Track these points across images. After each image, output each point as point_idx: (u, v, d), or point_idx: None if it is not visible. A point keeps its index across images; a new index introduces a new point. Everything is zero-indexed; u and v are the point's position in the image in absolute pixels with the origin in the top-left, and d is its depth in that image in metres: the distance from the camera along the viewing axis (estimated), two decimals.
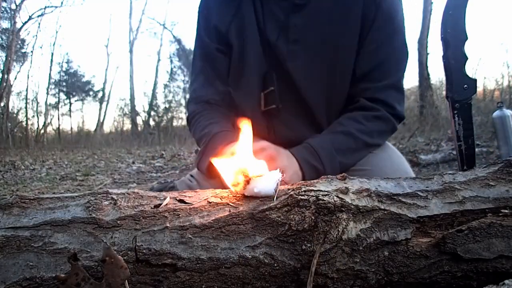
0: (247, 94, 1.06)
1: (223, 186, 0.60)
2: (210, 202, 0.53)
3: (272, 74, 1.01)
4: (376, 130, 0.96)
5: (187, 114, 1.13)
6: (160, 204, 0.52)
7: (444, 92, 0.81)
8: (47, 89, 16.95)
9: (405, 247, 0.50)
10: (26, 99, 15.25)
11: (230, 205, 0.53)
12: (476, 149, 0.70)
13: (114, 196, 0.53)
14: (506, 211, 0.51)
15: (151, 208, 0.52)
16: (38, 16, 14.51)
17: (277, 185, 0.55)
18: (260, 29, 1.02)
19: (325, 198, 0.50)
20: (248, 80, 1.04)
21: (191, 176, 1.12)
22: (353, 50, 0.97)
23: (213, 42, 1.07)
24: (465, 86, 0.67)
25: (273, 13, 1.00)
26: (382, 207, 0.51)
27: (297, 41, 0.98)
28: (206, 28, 1.08)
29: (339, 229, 0.49)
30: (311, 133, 1.01)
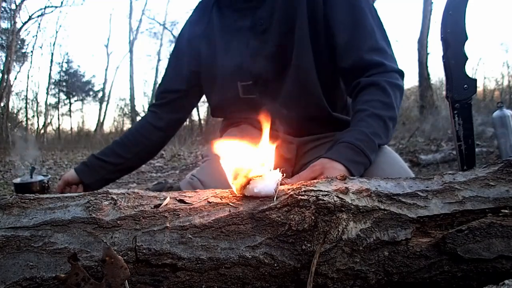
0: (224, 86, 1.11)
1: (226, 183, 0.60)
2: (210, 202, 0.53)
3: (246, 67, 1.05)
4: (392, 101, 0.93)
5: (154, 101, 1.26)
6: (160, 204, 0.52)
7: (444, 92, 0.81)
8: (47, 89, 16.95)
9: (405, 247, 0.50)
10: (26, 99, 15.24)
11: (230, 205, 0.53)
12: (476, 149, 0.70)
13: (114, 196, 0.53)
14: (506, 211, 0.51)
15: (151, 208, 0.52)
16: (38, 16, 14.50)
17: (277, 185, 0.55)
18: (229, 31, 1.08)
19: (325, 198, 0.50)
20: (223, 85, 1.10)
21: (193, 175, 1.12)
22: (307, 40, 0.98)
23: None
24: (465, 86, 0.67)
25: (241, 14, 1.07)
26: (382, 207, 0.51)
27: (265, 31, 1.03)
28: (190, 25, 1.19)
29: (339, 229, 0.49)
30: (312, 109, 1.03)
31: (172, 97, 1.21)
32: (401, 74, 0.98)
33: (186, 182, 1.10)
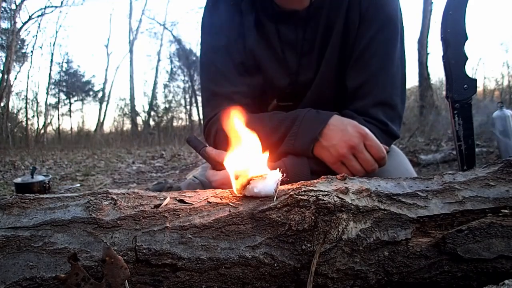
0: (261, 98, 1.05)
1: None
2: (210, 202, 0.53)
3: (290, 89, 1.01)
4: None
5: (209, 115, 1.04)
6: (160, 204, 0.52)
7: (444, 92, 0.81)
8: (47, 89, 16.95)
9: (405, 247, 0.50)
10: (26, 99, 15.25)
11: (230, 205, 0.53)
12: (476, 149, 0.70)
13: (114, 196, 0.53)
14: (506, 211, 0.51)
15: (151, 208, 0.52)
16: (38, 16, 14.52)
17: (277, 185, 0.55)
18: (268, 44, 1.01)
19: (325, 198, 0.50)
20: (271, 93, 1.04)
21: (194, 177, 1.12)
22: (335, 59, 0.96)
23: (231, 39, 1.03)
24: (465, 86, 0.67)
25: (283, 28, 1.00)
26: (382, 207, 0.51)
27: (306, 55, 0.99)
28: (219, 18, 1.04)
29: (339, 229, 0.49)
30: None
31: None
32: (395, 139, 0.98)
33: (187, 183, 1.10)
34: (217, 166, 0.88)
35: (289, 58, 1.01)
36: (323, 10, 0.96)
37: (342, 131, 0.82)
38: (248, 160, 0.59)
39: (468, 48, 0.66)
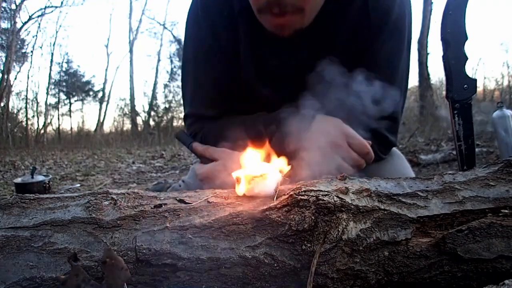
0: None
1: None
2: (210, 202, 0.53)
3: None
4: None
5: (188, 130, 1.04)
6: (161, 204, 0.52)
7: (444, 92, 0.81)
8: (47, 89, 16.95)
9: (405, 247, 0.50)
10: (26, 99, 15.25)
11: (230, 205, 0.53)
12: (476, 149, 0.70)
13: (114, 196, 0.53)
14: (506, 211, 0.51)
15: (151, 208, 0.52)
16: (38, 16, 14.52)
17: (277, 185, 0.55)
18: (261, 63, 0.97)
19: (325, 198, 0.50)
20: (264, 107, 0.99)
21: (182, 181, 1.12)
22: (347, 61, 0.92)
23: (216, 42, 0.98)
24: (465, 86, 0.67)
25: (276, 46, 0.95)
26: (382, 207, 0.51)
27: (308, 71, 0.93)
28: (210, 28, 0.97)
29: (339, 229, 0.49)
30: None
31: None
32: (393, 147, 0.98)
33: (174, 189, 1.09)
34: (204, 160, 0.89)
35: (285, 77, 0.97)
36: (324, 27, 0.92)
37: (326, 133, 0.83)
38: (248, 160, 0.59)
39: (468, 48, 0.66)
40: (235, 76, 0.99)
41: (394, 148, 1.04)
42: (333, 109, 0.96)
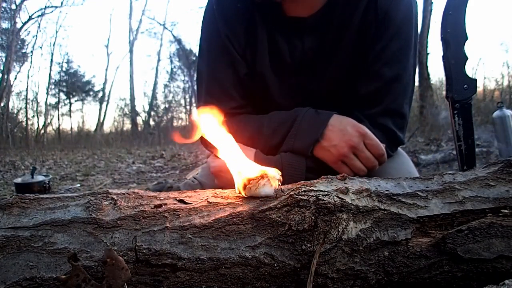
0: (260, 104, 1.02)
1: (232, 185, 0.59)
2: (210, 202, 0.53)
3: (299, 102, 0.97)
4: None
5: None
6: (161, 204, 0.52)
7: (444, 92, 0.81)
8: (47, 89, 16.96)
9: (405, 247, 0.50)
10: (26, 99, 15.26)
11: (230, 205, 0.53)
12: (476, 149, 0.70)
13: (114, 196, 0.53)
14: (506, 211, 0.51)
15: (151, 208, 0.52)
16: (38, 16, 14.52)
17: (277, 185, 0.55)
18: (277, 53, 0.98)
19: (325, 198, 0.50)
20: (276, 106, 1.00)
21: (194, 178, 1.12)
22: (346, 66, 0.94)
23: (233, 42, 0.98)
24: (465, 86, 0.67)
25: (291, 36, 0.96)
26: (382, 207, 0.51)
27: (314, 64, 0.97)
28: (226, 25, 0.97)
29: (339, 229, 0.49)
30: None
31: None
32: (400, 145, 0.97)
33: (187, 184, 1.10)
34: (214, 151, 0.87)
35: (295, 67, 0.98)
36: (333, 17, 0.94)
37: (342, 131, 0.83)
38: (248, 160, 0.59)
39: (468, 48, 0.66)
40: (250, 71, 0.99)
41: (399, 148, 1.04)
42: (339, 103, 0.97)
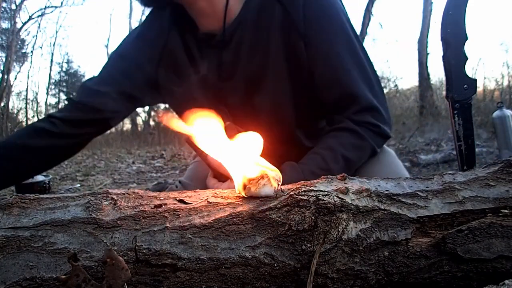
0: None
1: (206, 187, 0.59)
2: (210, 202, 0.53)
3: (223, 110, 0.99)
4: (365, 145, 0.91)
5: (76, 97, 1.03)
6: (161, 204, 0.52)
7: (444, 92, 0.81)
8: (47, 89, 16.96)
9: (405, 247, 0.50)
10: (26, 99, 15.26)
11: (230, 205, 0.53)
12: (476, 149, 0.70)
13: (114, 196, 0.53)
14: (506, 211, 0.51)
15: (151, 208, 0.52)
16: (38, 16, 14.51)
17: (277, 185, 0.55)
18: (196, 67, 1.00)
19: (325, 198, 0.50)
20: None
21: (179, 181, 1.12)
22: (283, 77, 0.94)
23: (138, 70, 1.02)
24: (465, 86, 0.67)
25: (206, 50, 0.99)
26: (382, 207, 0.51)
27: (230, 78, 0.98)
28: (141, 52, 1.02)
29: (339, 229, 0.49)
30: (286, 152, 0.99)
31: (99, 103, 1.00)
32: (387, 139, 0.96)
33: (170, 189, 1.10)
34: (219, 175, 0.87)
35: (214, 81, 0.99)
36: (243, 33, 0.94)
37: None
38: (248, 160, 0.59)
39: (468, 48, 0.66)
40: (178, 93, 1.01)
41: (384, 146, 1.04)
42: (305, 105, 0.96)
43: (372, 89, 0.93)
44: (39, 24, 14.97)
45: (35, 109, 15.91)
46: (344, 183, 0.54)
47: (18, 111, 14.92)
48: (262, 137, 1.00)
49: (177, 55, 1.00)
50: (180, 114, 1.06)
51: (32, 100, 15.80)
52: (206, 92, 1.00)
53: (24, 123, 14.30)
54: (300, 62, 0.92)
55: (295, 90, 0.96)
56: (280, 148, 1.03)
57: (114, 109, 1.01)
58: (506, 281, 0.82)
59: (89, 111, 0.99)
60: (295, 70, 0.94)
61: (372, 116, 0.91)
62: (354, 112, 0.91)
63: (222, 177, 0.85)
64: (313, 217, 0.48)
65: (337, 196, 0.50)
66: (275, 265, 0.48)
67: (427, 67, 9.01)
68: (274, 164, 1.03)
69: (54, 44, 16.59)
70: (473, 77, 0.67)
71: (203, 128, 0.61)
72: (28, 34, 14.84)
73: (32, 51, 15.36)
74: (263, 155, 0.87)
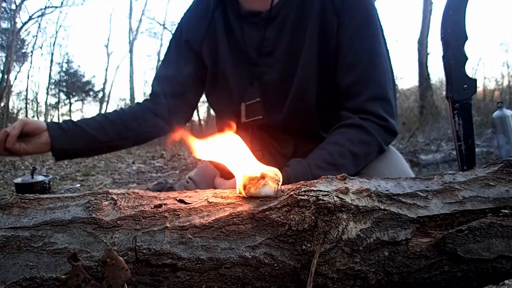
0: (227, 104, 1.08)
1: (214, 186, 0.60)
2: (210, 202, 0.53)
3: (256, 85, 1.02)
4: (362, 153, 0.92)
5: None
6: (161, 205, 0.52)
7: (444, 92, 0.81)
8: (47, 89, 16.95)
9: (405, 247, 0.50)
10: (26, 99, 15.25)
11: (230, 205, 0.53)
12: (476, 149, 0.70)
13: (114, 196, 0.53)
14: (506, 211, 0.51)
15: (151, 208, 0.52)
16: (38, 16, 14.51)
17: (277, 185, 0.55)
18: (235, 45, 1.04)
19: (325, 198, 0.50)
20: (227, 93, 1.07)
21: (189, 178, 1.12)
22: (313, 57, 0.96)
23: (182, 56, 1.11)
24: (465, 86, 0.67)
25: (248, 28, 1.03)
26: (382, 207, 0.51)
27: (269, 54, 1.01)
28: (178, 43, 1.12)
29: (339, 229, 0.49)
30: (307, 140, 1.02)
31: (176, 89, 1.11)
32: (395, 136, 0.97)
33: (182, 185, 1.10)
34: (225, 174, 0.87)
35: (254, 57, 1.03)
36: (289, 11, 0.98)
37: None
38: (248, 160, 0.59)
39: (468, 48, 0.66)
40: (212, 72, 1.08)
41: (391, 146, 1.04)
42: (318, 91, 0.98)
43: (388, 82, 0.95)
44: (39, 24, 14.98)
45: (35, 109, 15.91)
46: (344, 183, 0.54)
47: (18, 111, 14.89)
48: (286, 121, 1.02)
49: (218, 32, 1.05)
50: (214, 91, 1.11)
51: (32, 100, 15.80)
52: (243, 68, 1.04)
53: None
54: (329, 44, 0.96)
55: (320, 73, 0.98)
56: (299, 139, 1.06)
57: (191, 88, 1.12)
58: (506, 281, 0.82)
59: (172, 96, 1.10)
60: (324, 52, 0.97)
61: (382, 107, 0.92)
62: (366, 99, 0.92)
63: (230, 177, 0.86)
64: (313, 217, 0.48)
65: (337, 196, 0.50)
66: (275, 265, 0.48)
67: (427, 67, 9.00)
68: (290, 156, 1.03)
69: (54, 44, 16.59)
70: (473, 77, 0.67)
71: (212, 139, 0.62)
72: (28, 34, 14.85)
73: (32, 51, 15.37)
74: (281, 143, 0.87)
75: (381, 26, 0.97)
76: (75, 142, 0.98)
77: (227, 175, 0.86)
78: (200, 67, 1.10)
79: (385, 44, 0.98)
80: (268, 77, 1.02)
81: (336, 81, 0.97)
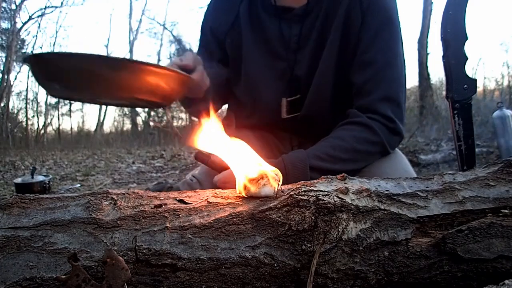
0: (266, 102, 1.07)
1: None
2: (210, 202, 0.53)
3: (298, 82, 1.02)
4: (364, 151, 0.92)
5: None
6: (161, 205, 0.52)
7: (444, 92, 0.81)
8: None
9: (405, 247, 0.50)
10: (26, 99, 15.24)
11: (230, 205, 0.53)
12: (476, 149, 0.70)
13: (114, 196, 0.53)
14: (506, 211, 0.51)
15: (151, 208, 0.52)
16: (38, 16, 14.51)
17: (277, 185, 0.55)
18: (262, 40, 1.04)
19: (325, 198, 0.50)
20: (266, 89, 1.06)
21: (193, 176, 1.12)
22: (334, 52, 0.97)
23: (212, 39, 1.11)
24: (465, 86, 0.67)
25: (277, 23, 1.03)
26: (382, 207, 0.51)
27: (300, 49, 1.01)
28: (213, 19, 1.11)
29: (339, 229, 0.49)
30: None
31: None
32: (401, 139, 0.98)
33: (186, 183, 1.10)
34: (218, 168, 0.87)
35: (283, 52, 1.03)
36: (321, 8, 0.98)
37: None
38: (248, 160, 0.59)
39: (468, 48, 0.66)
40: (235, 61, 1.08)
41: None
42: (331, 91, 0.99)
43: (401, 86, 0.95)
44: (39, 24, 14.96)
45: (35, 109, 15.90)
46: (344, 183, 0.54)
47: (18, 111, 14.91)
48: (303, 118, 1.03)
49: (244, 25, 1.05)
50: (235, 83, 1.11)
51: (32, 100, 15.78)
52: (270, 63, 1.04)
53: (24, 123, 14.30)
54: (350, 41, 0.97)
55: (337, 69, 0.99)
56: (307, 140, 1.06)
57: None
58: (506, 281, 0.82)
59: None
60: (345, 48, 0.97)
61: (391, 108, 0.92)
62: (377, 98, 0.92)
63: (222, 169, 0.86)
64: (313, 217, 0.48)
65: (337, 196, 0.50)
66: (275, 265, 0.48)
67: (427, 67, 9.00)
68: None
69: (54, 44, 16.58)
70: (473, 77, 0.67)
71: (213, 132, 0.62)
72: (28, 34, 14.85)
73: (32, 51, 15.37)
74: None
75: (400, 32, 0.98)
76: (216, 77, 1.01)
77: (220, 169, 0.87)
78: (224, 55, 1.10)
79: (402, 47, 0.98)
80: (298, 73, 1.03)
81: (350, 78, 0.98)
